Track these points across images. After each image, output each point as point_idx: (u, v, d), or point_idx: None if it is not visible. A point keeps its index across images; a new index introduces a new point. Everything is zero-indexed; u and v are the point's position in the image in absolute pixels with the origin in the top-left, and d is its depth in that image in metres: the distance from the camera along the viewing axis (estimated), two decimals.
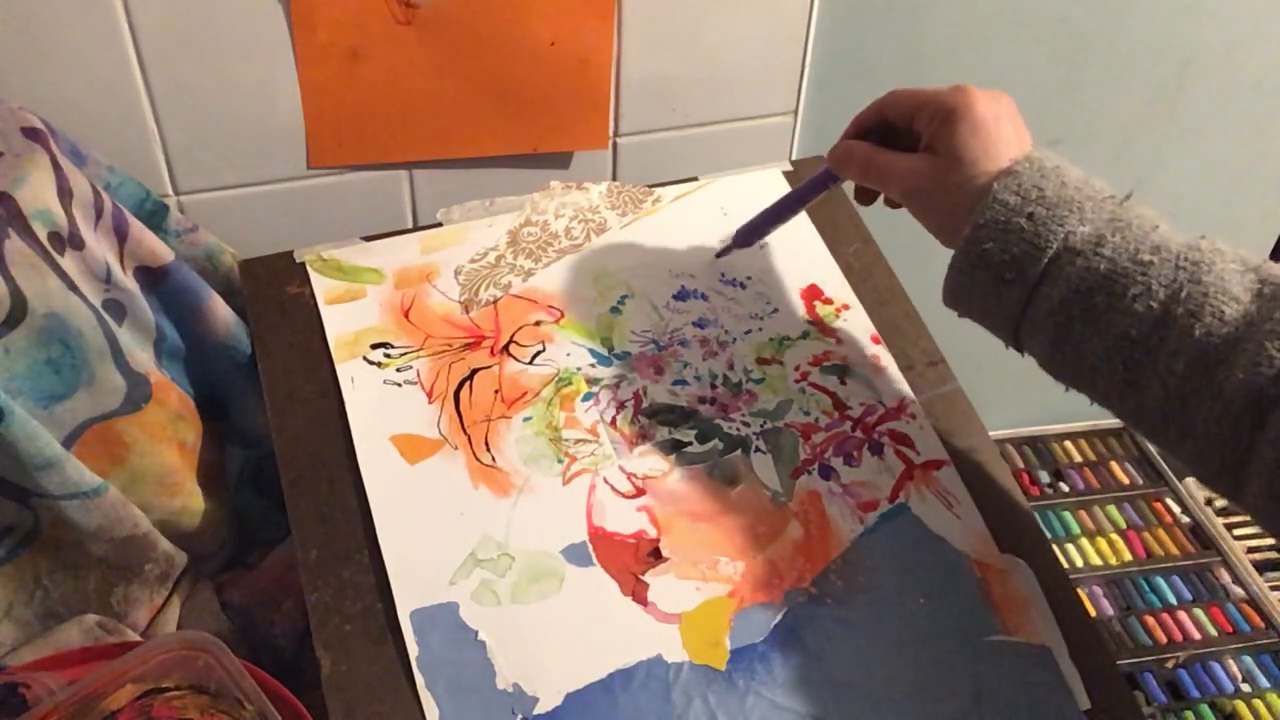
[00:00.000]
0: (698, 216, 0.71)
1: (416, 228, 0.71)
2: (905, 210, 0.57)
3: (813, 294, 0.68)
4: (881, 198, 0.60)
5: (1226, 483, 0.48)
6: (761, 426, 0.62)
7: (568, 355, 0.64)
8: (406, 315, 0.65)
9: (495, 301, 0.66)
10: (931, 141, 0.54)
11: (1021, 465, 0.99)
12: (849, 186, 0.62)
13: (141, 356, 0.59)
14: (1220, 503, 0.95)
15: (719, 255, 0.69)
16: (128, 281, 0.60)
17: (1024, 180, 0.50)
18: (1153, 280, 0.48)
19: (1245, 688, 0.83)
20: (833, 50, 0.77)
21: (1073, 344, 0.50)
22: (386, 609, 0.54)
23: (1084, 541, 0.92)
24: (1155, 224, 0.50)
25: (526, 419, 0.61)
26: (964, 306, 0.54)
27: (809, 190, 0.64)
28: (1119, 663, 0.60)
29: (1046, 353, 0.52)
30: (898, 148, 0.56)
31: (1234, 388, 0.45)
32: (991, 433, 0.65)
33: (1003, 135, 0.52)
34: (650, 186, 0.73)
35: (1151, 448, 0.99)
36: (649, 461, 0.60)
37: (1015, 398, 0.93)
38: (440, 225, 0.70)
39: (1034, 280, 0.50)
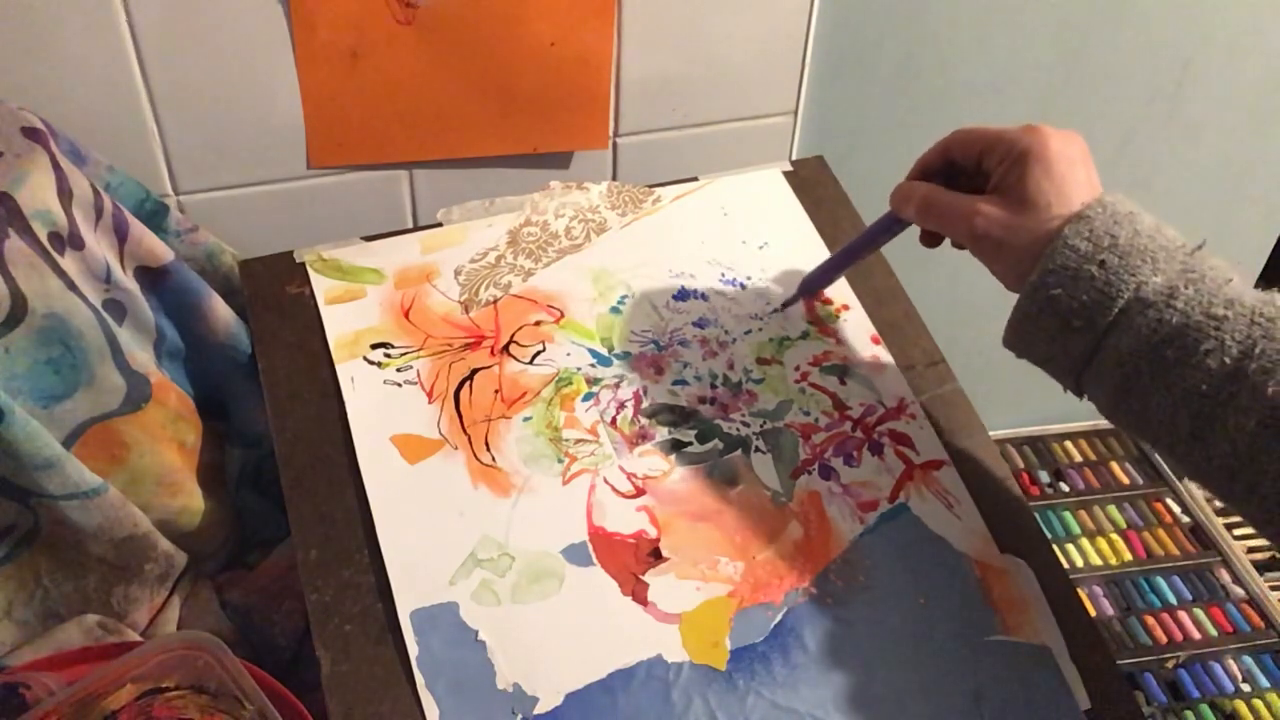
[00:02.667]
0: (698, 216, 0.71)
1: (416, 228, 0.71)
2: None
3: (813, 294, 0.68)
4: (948, 240, 0.58)
5: None
6: (761, 426, 0.62)
7: (568, 355, 0.64)
8: (406, 315, 0.65)
9: (495, 301, 0.66)
10: (1001, 183, 0.52)
11: (1021, 465, 0.99)
12: (915, 228, 0.60)
13: (141, 356, 0.59)
14: (1220, 502, 0.95)
15: (781, 308, 0.67)
16: (128, 281, 0.60)
17: (1096, 226, 0.49)
18: (1226, 335, 0.47)
19: (1245, 688, 0.83)
20: (833, 50, 0.77)
21: (1139, 395, 0.49)
22: (386, 609, 0.54)
23: (1084, 541, 0.92)
24: (1228, 277, 0.48)
25: (526, 419, 0.61)
26: (1026, 350, 0.53)
27: (876, 234, 0.61)
28: (1119, 663, 0.60)
29: (1110, 401, 0.51)
30: (962, 187, 0.55)
31: None
32: (991, 433, 0.65)
33: (1075, 178, 0.51)
34: (650, 186, 0.73)
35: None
36: (649, 461, 0.60)
37: (1015, 398, 0.93)
38: (440, 225, 0.70)
39: (1103, 329, 0.49)
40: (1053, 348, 0.51)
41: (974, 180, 0.55)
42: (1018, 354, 0.54)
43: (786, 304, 0.67)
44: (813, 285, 0.67)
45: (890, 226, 0.60)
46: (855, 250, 0.64)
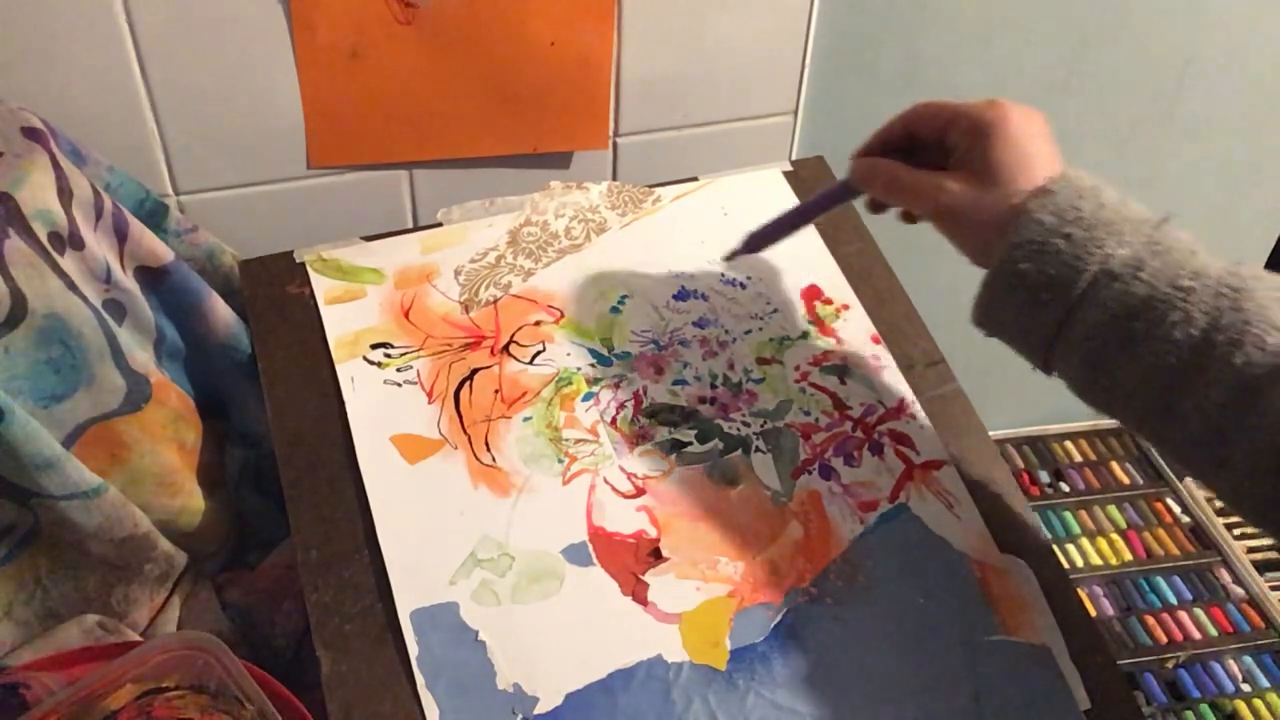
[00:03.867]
0: (698, 216, 0.71)
1: (416, 228, 0.71)
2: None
3: (813, 294, 0.68)
4: (894, 210, 0.59)
5: (1265, 516, 0.47)
6: (761, 426, 0.62)
7: (568, 355, 0.64)
8: (406, 315, 0.65)
9: (495, 301, 0.66)
10: (964, 158, 0.53)
11: (1021, 465, 0.99)
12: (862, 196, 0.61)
13: (141, 356, 0.59)
14: (1221, 502, 0.95)
15: (726, 259, 0.68)
16: (128, 281, 0.60)
17: (1060, 200, 0.49)
18: (1192, 307, 0.47)
19: (1245, 688, 0.83)
20: (833, 50, 0.77)
21: (1108, 369, 0.49)
22: (386, 609, 0.54)
23: (1084, 541, 0.92)
24: (1193, 249, 0.49)
25: (526, 419, 0.61)
26: (995, 327, 0.53)
27: (825, 201, 0.62)
28: (1119, 663, 0.60)
29: (1080, 376, 0.51)
30: (922, 162, 0.55)
31: (1275, 418, 0.44)
32: (991, 433, 0.65)
33: (1038, 153, 0.51)
34: (650, 186, 0.73)
35: (1151, 447, 0.99)
36: (649, 461, 0.60)
37: (1015, 398, 0.93)
38: (440, 225, 0.70)
39: (1071, 303, 0.49)
40: (1021, 323, 0.51)
41: (933, 154, 0.55)
42: (987, 331, 0.54)
43: (732, 255, 0.66)
44: (758, 243, 0.65)
45: (844, 196, 0.60)
46: (806, 213, 0.64)
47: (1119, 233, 0.49)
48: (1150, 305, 0.47)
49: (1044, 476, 0.98)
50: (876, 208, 0.60)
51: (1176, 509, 0.95)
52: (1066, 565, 0.89)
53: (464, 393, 0.62)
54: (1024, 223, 0.49)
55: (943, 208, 0.53)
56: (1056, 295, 0.49)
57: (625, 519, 0.58)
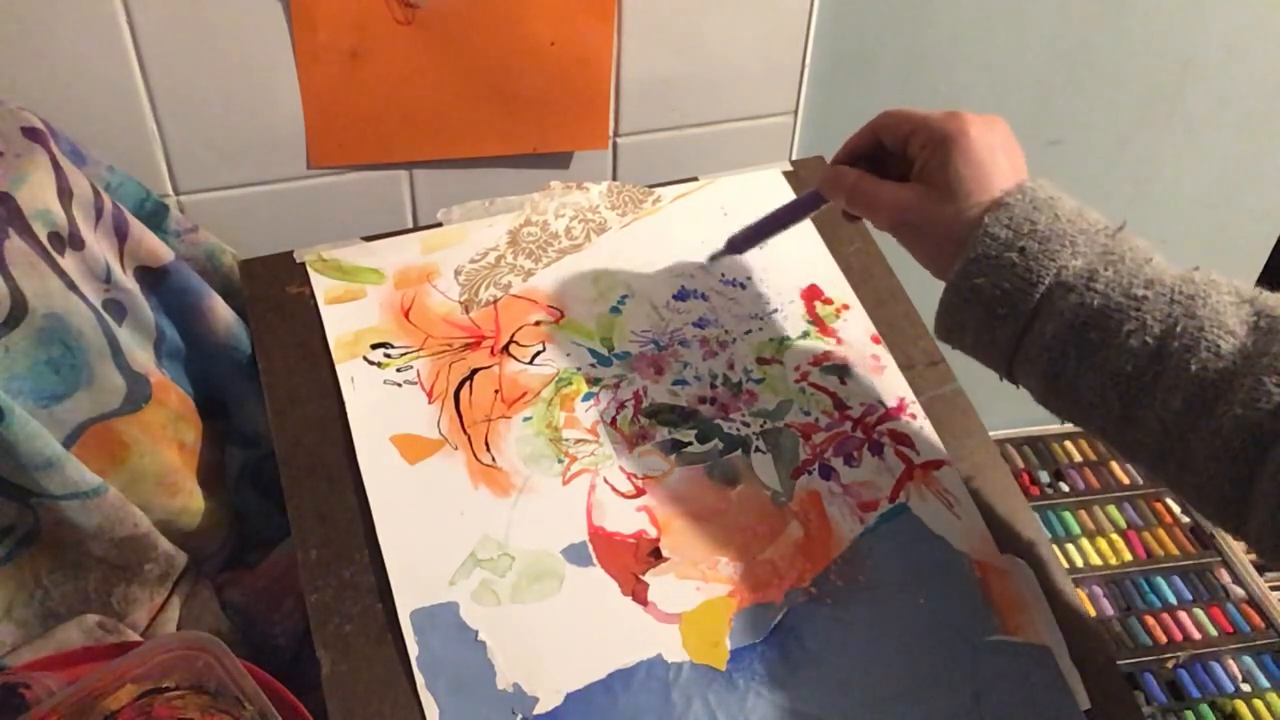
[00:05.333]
0: (698, 216, 0.71)
1: (416, 228, 0.71)
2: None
3: (813, 294, 0.68)
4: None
5: (1227, 518, 0.47)
6: (761, 426, 0.62)
7: (568, 355, 0.64)
8: (406, 315, 0.65)
9: (495, 301, 0.66)
10: (923, 170, 0.53)
11: (1021, 465, 0.99)
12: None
13: (141, 356, 0.59)
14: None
15: (711, 259, 0.69)
16: (128, 281, 0.60)
17: (1015, 213, 0.49)
18: (1147, 315, 0.47)
19: (1245, 688, 0.83)
20: (833, 50, 0.77)
21: (1067, 379, 0.49)
22: (386, 609, 0.54)
23: (1084, 541, 0.92)
24: (1149, 257, 0.49)
25: (526, 419, 0.61)
26: (956, 340, 0.54)
27: (798, 208, 0.63)
28: (1119, 663, 0.60)
29: (1041, 387, 0.51)
30: (889, 171, 0.55)
31: (1232, 423, 0.45)
32: (991, 433, 0.65)
33: (996, 165, 0.51)
34: (650, 186, 0.73)
35: None
36: (649, 461, 0.60)
37: (1015, 398, 0.92)
38: (440, 225, 0.70)
39: (1026, 316, 0.49)
40: (981, 337, 0.52)
41: (899, 164, 0.55)
42: (951, 345, 0.54)
43: (715, 256, 0.68)
44: (741, 245, 0.67)
45: (815, 204, 0.61)
46: (782, 218, 0.65)
47: (1073, 243, 0.49)
48: (1105, 315, 0.48)
49: (1044, 476, 0.98)
50: (849, 216, 0.60)
51: (1176, 509, 0.95)
52: (1066, 565, 0.89)
53: (464, 393, 0.62)
54: (979, 237, 0.50)
55: (898, 221, 0.54)
56: (1012, 309, 0.50)
57: (625, 519, 0.58)
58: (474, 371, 0.63)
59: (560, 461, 0.60)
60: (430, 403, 0.61)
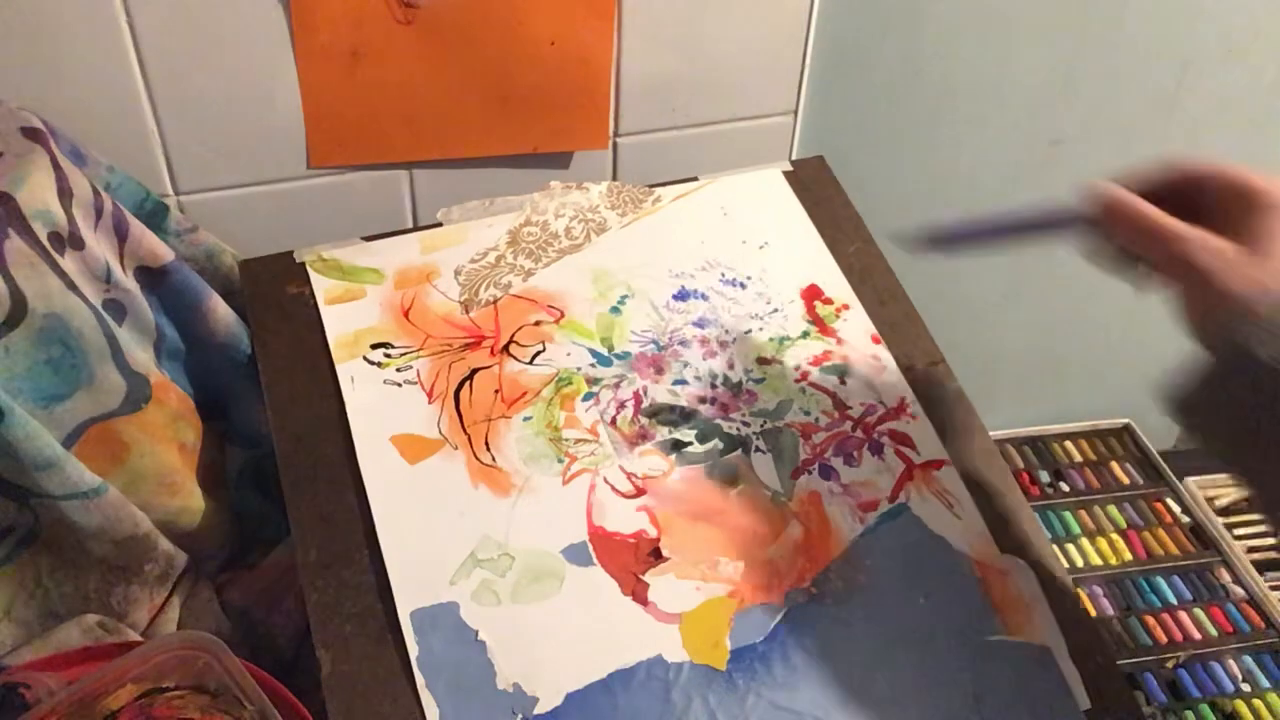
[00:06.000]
0: (698, 216, 0.71)
1: (416, 228, 0.71)
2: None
3: (813, 294, 0.68)
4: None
5: None
6: (761, 426, 0.62)
7: (568, 355, 0.64)
8: (406, 315, 0.65)
9: (495, 301, 0.66)
10: (1235, 225, 0.48)
11: (1021, 465, 0.99)
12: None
13: (141, 356, 0.59)
14: (1221, 502, 0.95)
15: (911, 243, 0.57)
16: (128, 281, 0.60)
17: None
18: None
19: (1245, 688, 0.83)
20: (833, 50, 0.77)
21: None
22: (386, 609, 0.54)
23: (1084, 541, 0.92)
24: None
25: (526, 419, 0.61)
26: (1203, 412, 0.48)
27: (1040, 224, 0.54)
28: (1119, 663, 0.60)
29: None
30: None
31: None
32: (991, 433, 0.65)
33: None
34: (650, 186, 0.73)
35: (1151, 447, 0.99)
36: (649, 461, 0.60)
37: (1015, 398, 0.93)
38: (440, 225, 0.70)
39: None
40: (1237, 412, 0.47)
41: (1181, 214, 0.50)
42: (1184, 418, 0.49)
43: (921, 244, 0.56)
44: (948, 239, 0.56)
45: (1067, 224, 0.53)
46: (1014, 228, 0.55)
47: None
48: None
49: (1044, 476, 0.98)
50: (1117, 265, 0.54)
51: (1176, 509, 0.95)
52: (1066, 565, 0.89)
53: (464, 393, 0.62)
54: (1276, 300, 0.45)
55: (1196, 263, 0.48)
56: None
57: (625, 519, 0.58)
58: (474, 371, 0.63)
59: (560, 461, 0.60)
60: (430, 403, 0.61)
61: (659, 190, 0.73)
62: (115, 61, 0.63)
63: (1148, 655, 0.84)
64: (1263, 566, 0.91)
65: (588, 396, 0.62)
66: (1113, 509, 0.95)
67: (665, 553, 0.57)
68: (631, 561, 0.56)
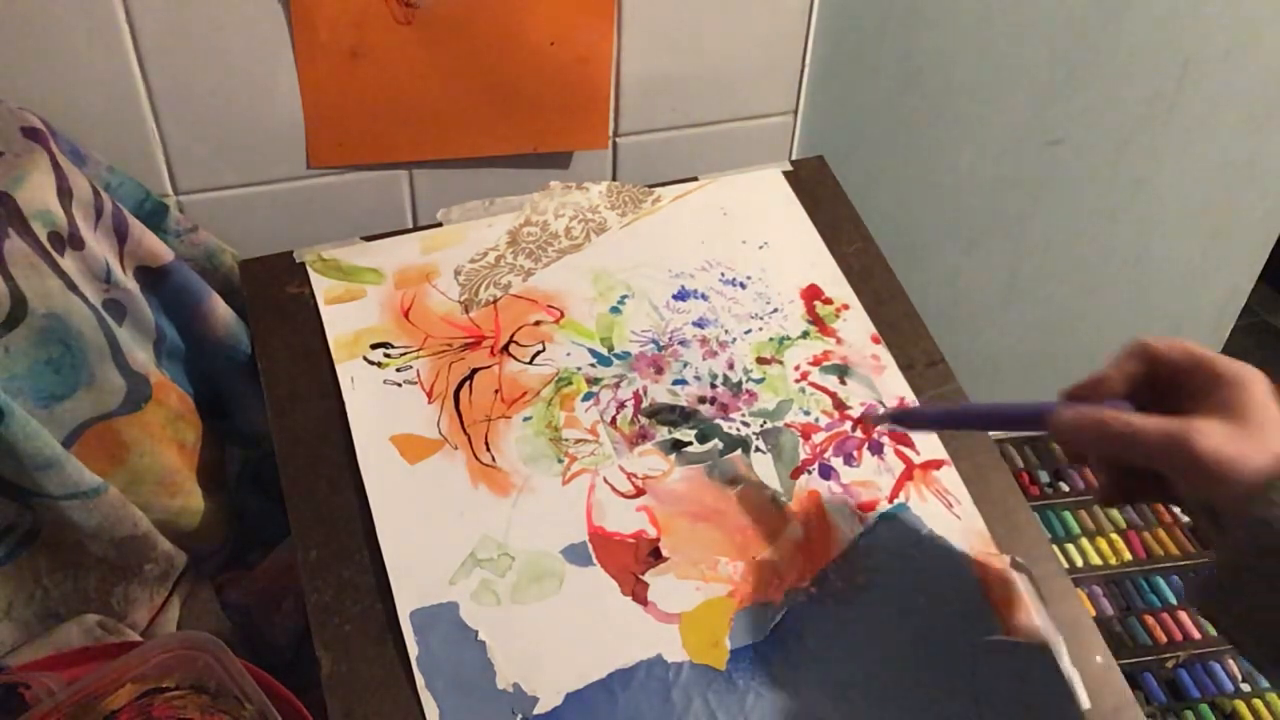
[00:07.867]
0: (698, 216, 0.71)
1: (416, 228, 0.71)
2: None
3: (813, 294, 0.68)
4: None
5: None
6: (761, 426, 0.62)
7: (568, 355, 0.64)
8: (406, 315, 0.65)
9: (495, 301, 0.66)
10: (1209, 403, 0.46)
11: (1021, 465, 0.99)
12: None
13: (141, 356, 0.59)
14: None
15: (874, 421, 0.62)
16: (128, 281, 0.60)
17: None
18: None
19: (1245, 688, 0.83)
20: (833, 50, 0.77)
21: None
22: (386, 609, 0.54)
23: (1084, 541, 0.92)
24: None
25: (526, 419, 0.61)
26: (1238, 605, 0.46)
27: (1012, 417, 0.54)
28: (1119, 663, 0.60)
29: None
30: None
31: None
32: (991, 433, 0.64)
33: None
34: (650, 186, 0.73)
35: None
36: (649, 461, 0.60)
37: (1015, 398, 0.92)
38: (440, 225, 0.70)
39: None
40: (1272, 607, 0.44)
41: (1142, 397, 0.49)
42: (1216, 617, 0.47)
43: (877, 420, 0.62)
44: (907, 421, 0.60)
45: (1031, 422, 0.51)
46: (980, 419, 0.57)
47: None
48: None
49: (1044, 476, 0.98)
50: (1075, 457, 0.52)
51: (1177, 509, 0.95)
52: (1066, 565, 0.89)
53: (464, 393, 0.62)
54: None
55: (1200, 452, 0.44)
56: None
57: (625, 519, 0.58)
58: (474, 371, 0.63)
59: (560, 461, 0.60)
60: (430, 403, 0.61)
61: (659, 190, 0.73)
62: (115, 61, 0.63)
63: (1147, 655, 0.84)
64: None
65: (587, 396, 0.62)
66: (1112, 509, 0.95)
67: (665, 553, 0.57)
68: (631, 561, 0.56)
